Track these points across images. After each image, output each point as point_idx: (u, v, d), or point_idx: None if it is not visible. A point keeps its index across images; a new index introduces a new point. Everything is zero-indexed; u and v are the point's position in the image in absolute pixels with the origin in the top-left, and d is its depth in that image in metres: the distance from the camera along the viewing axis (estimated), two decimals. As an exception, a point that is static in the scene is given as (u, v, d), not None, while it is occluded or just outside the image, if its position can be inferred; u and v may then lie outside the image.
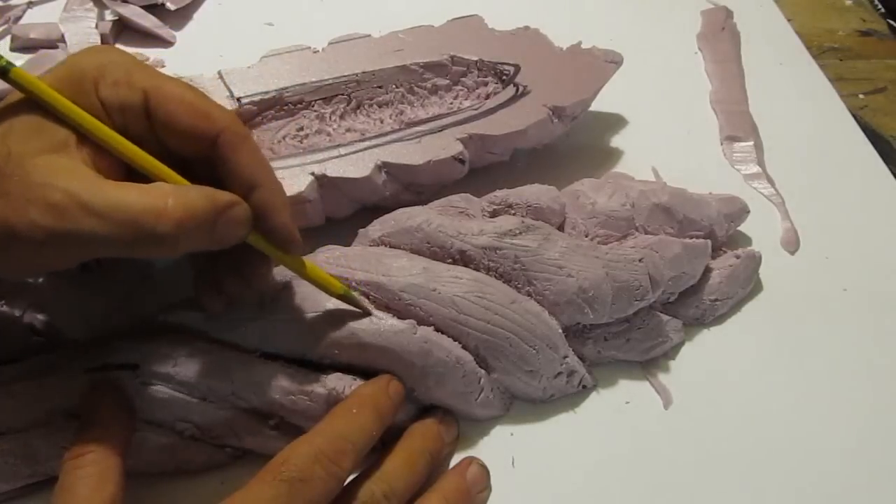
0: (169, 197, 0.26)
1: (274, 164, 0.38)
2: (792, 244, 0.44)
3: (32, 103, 0.27)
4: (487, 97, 0.45)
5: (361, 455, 0.30)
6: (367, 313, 0.33)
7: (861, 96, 0.56)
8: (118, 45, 0.54)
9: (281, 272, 0.34)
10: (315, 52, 0.45)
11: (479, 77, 0.45)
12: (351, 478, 0.30)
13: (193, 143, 0.29)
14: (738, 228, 0.43)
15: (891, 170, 0.49)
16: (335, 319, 0.32)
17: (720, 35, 0.57)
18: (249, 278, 0.31)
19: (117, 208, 0.25)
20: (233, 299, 0.32)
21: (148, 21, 0.55)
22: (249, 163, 0.29)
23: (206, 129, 0.28)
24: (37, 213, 0.25)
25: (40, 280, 0.36)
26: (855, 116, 0.52)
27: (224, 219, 0.27)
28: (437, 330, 0.33)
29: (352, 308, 0.33)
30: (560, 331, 0.35)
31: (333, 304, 0.33)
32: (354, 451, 0.29)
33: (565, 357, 0.35)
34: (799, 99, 0.53)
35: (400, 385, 0.33)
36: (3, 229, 0.25)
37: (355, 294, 0.33)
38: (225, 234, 0.28)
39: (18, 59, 0.52)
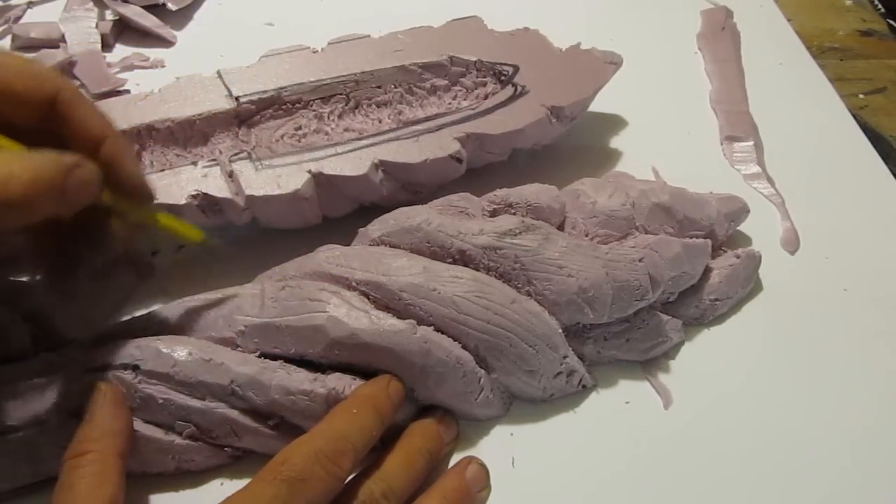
0: (13, 163, 0.25)
1: (271, 163, 0.39)
2: (792, 244, 0.44)
3: None
4: (486, 97, 0.45)
5: (361, 455, 0.30)
6: (222, 252, 0.33)
7: (861, 96, 0.56)
8: (119, 45, 0.54)
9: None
10: (314, 52, 0.45)
11: (477, 77, 0.45)
12: (350, 477, 0.30)
13: (30, 108, 0.28)
14: (738, 228, 0.43)
15: (891, 170, 0.49)
16: (335, 320, 0.32)
17: (720, 35, 0.57)
18: (101, 242, 0.31)
19: None
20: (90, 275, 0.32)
21: (149, 21, 0.55)
22: (91, 116, 0.29)
23: (41, 90, 0.28)
24: None
25: (39, 278, 0.36)
26: (855, 116, 0.52)
27: (73, 179, 0.27)
28: (437, 330, 0.33)
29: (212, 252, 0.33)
30: (560, 330, 0.35)
31: (340, 299, 0.33)
32: (354, 451, 0.29)
33: (565, 357, 0.35)
34: (799, 99, 0.53)
35: (400, 385, 0.33)
36: None
37: (216, 241, 0.33)
38: (76, 195, 0.27)
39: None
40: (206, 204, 0.38)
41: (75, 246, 0.32)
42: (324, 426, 0.30)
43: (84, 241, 0.31)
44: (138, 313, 0.35)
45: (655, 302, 0.38)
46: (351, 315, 0.33)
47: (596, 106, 0.46)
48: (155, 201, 0.31)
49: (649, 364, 0.38)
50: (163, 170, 0.39)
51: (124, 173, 0.30)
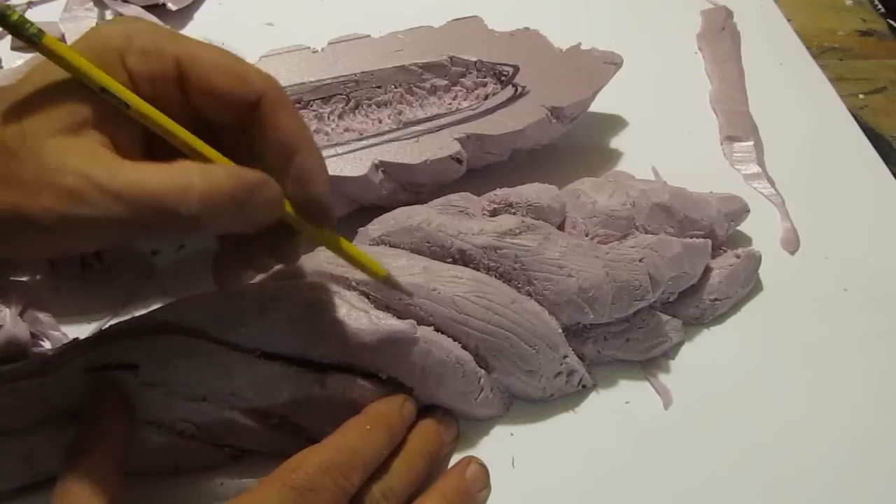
0: (193, 175, 0.24)
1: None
2: (792, 244, 0.44)
3: (50, 80, 0.25)
4: (486, 98, 0.45)
5: (369, 472, 0.30)
6: (409, 294, 0.33)
7: (861, 96, 0.56)
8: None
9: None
10: (314, 52, 0.45)
11: (478, 78, 0.45)
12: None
13: (232, 109, 0.27)
14: (738, 228, 0.43)
15: (891, 170, 0.49)
16: (335, 319, 0.32)
17: (720, 35, 0.57)
18: (280, 255, 0.30)
19: (137, 189, 0.23)
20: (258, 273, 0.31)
21: (148, 21, 0.55)
22: (290, 127, 0.27)
23: (246, 92, 0.26)
24: (50, 198, 0.23)
25: (39, 278, 0.36)
26: (855, 116, 0.52)
27: (253, 200, 0.25)
28: (437, 330, 0.33)
29: (393, 290, 0.32)
30: (560, 330, 0.35)
31: (340, 299, 0.33)
32: (364, 468, 0.29)
33: (565, 357, 0.35)
34: (799, 99, 0.53)
35: (413, 406, 0.33)
36: (16, 215, 0.23)
37: (396, 279, 0.32)
38: (255, 216, 0.26)
39: (18, 59, 0.52)
40: (206, 204, 0.38)
41: (250, 255, 0.30)
42: (337, 439, 0.30)
43: (261, 251, 0.30)
44: (138, 313, 0.35)
45: (655, 302, 0.38)
46: (351, 315, 0.33)
47: (596, 106, 0.46)
48: (334, 226, 0.30)
49: (649, 364, 0.38)
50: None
51: (311, 191, 0.28)
